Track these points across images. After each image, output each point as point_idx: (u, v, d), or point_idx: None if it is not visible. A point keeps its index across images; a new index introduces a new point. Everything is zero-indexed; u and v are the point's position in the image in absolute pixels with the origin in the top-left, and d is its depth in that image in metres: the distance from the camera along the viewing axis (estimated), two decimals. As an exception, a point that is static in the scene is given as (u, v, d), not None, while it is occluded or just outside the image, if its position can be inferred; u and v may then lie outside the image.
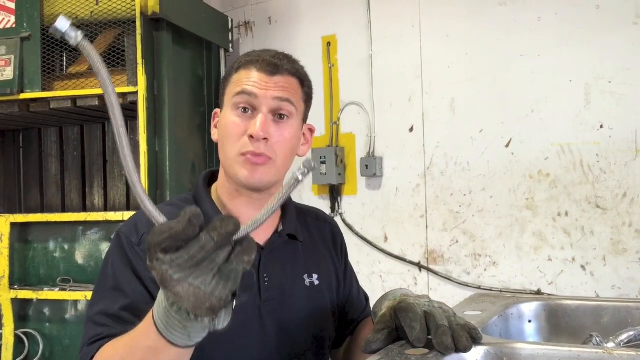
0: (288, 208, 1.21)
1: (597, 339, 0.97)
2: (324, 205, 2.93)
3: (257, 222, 0.73)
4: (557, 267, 2.44)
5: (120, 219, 2.47)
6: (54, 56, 2.60)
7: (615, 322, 1.15)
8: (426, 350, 0.92)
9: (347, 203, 2.90)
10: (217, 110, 1.17)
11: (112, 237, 1.13)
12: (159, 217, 0.74)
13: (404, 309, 0.96)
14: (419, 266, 2.72)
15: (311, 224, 1.25)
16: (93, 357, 0.99)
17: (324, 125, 2.92)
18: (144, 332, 0.83)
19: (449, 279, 2.64)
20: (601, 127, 2.35)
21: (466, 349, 0.91)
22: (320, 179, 2.87)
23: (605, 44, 2.32)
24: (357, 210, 2.87)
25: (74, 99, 2.51)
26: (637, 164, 2.29)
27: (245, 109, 1.07)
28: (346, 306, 1.28)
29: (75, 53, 2.65)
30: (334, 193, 2.90)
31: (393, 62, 2.78)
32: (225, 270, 0.70)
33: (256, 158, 1.05)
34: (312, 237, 1.24)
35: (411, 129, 2.74)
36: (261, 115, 1.06)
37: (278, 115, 1.08)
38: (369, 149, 2.82)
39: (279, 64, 1.09)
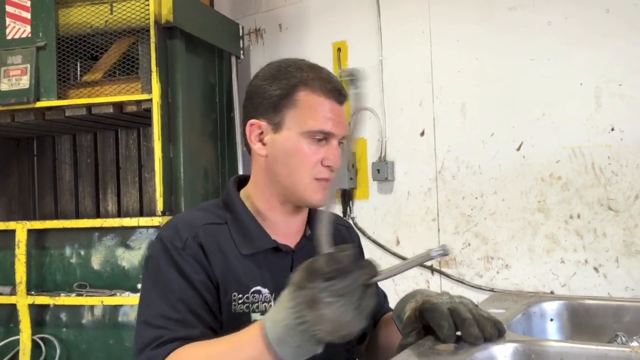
0: (313, 213, 1.26)
1: (623, 338, 0.98)
2: (336, 210, 2.95)
3: (391, 273, 0.89)
4: (570, 269, 2.45)
5: (136, 224, 2.49)
6: (69, 65, 2.64)
7: (637, 322, 1.17)
8: (454, 345, 0.94)
9: (359, 207, 2.92)
10: (259, 123, 1.16)
11: (154, 242, 1.15)
12: (325, 247, 0.89)
13: (430, 309, 1.00)
14: (432, 269, 2.74)
15: (332, 227, 1.30)
16: (164, 358, 1.00)
17: (335, 130, 2.93)
18: (248, 342, 0.90)
19: (461, 282, 2.65)
20: (612, 129, 2.37)
21: (492, 337, 0.96)
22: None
23: (615, 47, 2.35)
24: (369, 214, 2.89)
25: (88, 107, 2.55)
26: (648, 165, 2.31)
27: (319, 140, 1.13)
28: None
29: (88, 62, 2.68)
30: (346, 197, 2.92)
31: (403, 67, 2.81)
32: (363, 305, 0.83)
33: (328, 183, 1.15)
34: (334, 239, 1.28)
35: (422, 133, 2.77)
36: (335, 149, 1.14)
37: (338, 142, 1.17)
38: (381, 154, 2.84)
39: (345, 93, 1.17)
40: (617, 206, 2.37)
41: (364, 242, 2.84)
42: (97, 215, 2.98)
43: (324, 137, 1.13)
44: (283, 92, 1.14)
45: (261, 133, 1.16)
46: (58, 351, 2.52)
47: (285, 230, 1.19)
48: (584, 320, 1.23)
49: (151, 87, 2.49)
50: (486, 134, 2.62)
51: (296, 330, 0.82)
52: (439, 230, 2.73)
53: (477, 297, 2.48)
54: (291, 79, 1.14)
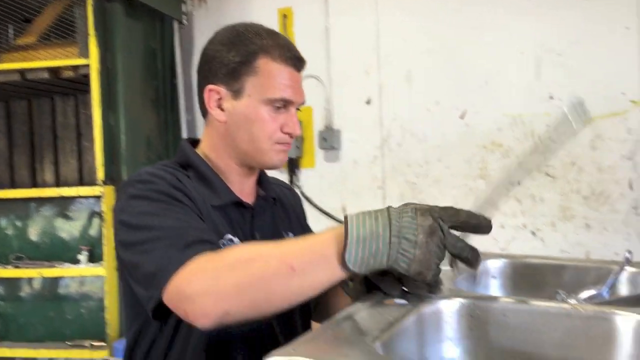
0: (263, 175, 1.30)
1: (563, 296, 1.02)
2: (282, 178, 2.93)
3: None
4: (509, 233, 2.54)
5: (75, 194, 2.41)
6: (0, 28, 2.50)
7: (575, 280, 1.21)
8: (402, 300, 0.96)
9: (306, 176, 2.92)
10: (218, 88, 1.15)
11: (123, 192, 1.07)
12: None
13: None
14: (377, 236, 2.77)
15: (277, 187, 1.35)
16: (197, 256, 0.91)
17: (281, 98, 2.91)
18: (321, 237, 0.88)
19: (406, 248, 2.70)
20: (551, 98, 2.44)
21: (435, 288, 0.98)
22: (278, 152, 2.87)
23: (556, 17, 2.41)
24: (315, 183, 2.90)
25: (22, 72, 2.43)
26: (584, 133, 2.39)
27: (278, 108, 1.14)
28: None
29: (22, 24, 2.55)
30: (292, 166, 2.91)
31: (350, 34, 2.80)
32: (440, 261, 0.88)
33: (288, 146, 1.18)
34: (280, 199, 1.33)
35: (368, 102, 2.78)
36: (294, 116, 1.16)
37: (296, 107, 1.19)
38: (327, 122, 2.84)
39: (303, 60, 1.17)
40: (554, 172, 2.45)
41: (311, 210, 2.85)
42: (34, 184, 2.87)
43: (284, 104, 1.14)
44: (242, 59, 1.13)
45: (220, 99, 1.15)
46: (-5, 325, 2.43)
47: (241, 189, 1.21)
48: (525, 278, 1.27)
49: (89, 52, 2.39)
50: (431, 102, 2.65)
51: (388, 245, 0.83)
52: (384, 198, 2.76)
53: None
54: (250, 46, 1.13)
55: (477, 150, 2.58)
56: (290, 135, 1.16)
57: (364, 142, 2.79)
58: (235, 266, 0.89)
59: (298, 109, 1.18)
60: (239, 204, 1.19)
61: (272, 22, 2.93)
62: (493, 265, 1.29)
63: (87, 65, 2.40)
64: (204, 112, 1.19)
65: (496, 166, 2.54)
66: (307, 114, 2.89)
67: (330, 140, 2.80)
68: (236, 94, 1.14)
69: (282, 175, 2.94)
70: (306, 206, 2.94)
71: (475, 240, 2.81)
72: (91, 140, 2.50)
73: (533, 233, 2.49)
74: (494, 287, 1.28)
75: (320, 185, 2.89)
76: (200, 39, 3.06)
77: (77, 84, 2.59)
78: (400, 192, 2.73)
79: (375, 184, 2.78)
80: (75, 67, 2.44)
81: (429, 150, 2.66)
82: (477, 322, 0.95)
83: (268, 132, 1.14)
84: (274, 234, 1.23)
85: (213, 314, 0.88)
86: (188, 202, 1.07)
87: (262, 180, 1.29)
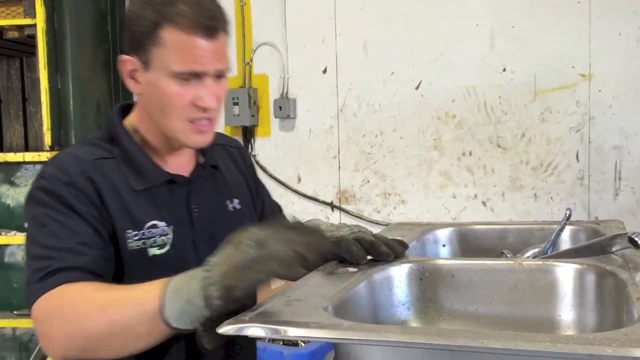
0: None
1: (508, 255, 1.06)
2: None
3: None
4: (461, 203, 2.59)
5: (21, 160, 2.34)
6: (-63, -18, 2.37)
7: (520, 242, 1.26)
8: (353, 267, 0.97)
9: (261, 145, 2.89)
10: (130, 59, 1.07)
11: (36, 179, 1.06)
12: None
13: (337, 242, 1.02)
14: (332, 206, 2.79)
15: (221, 150, 1.28)
16: (46, 294, 0.94)
17: (236, 66, 2.86)
18: (143, 289, 0.89)
19: (360, 217, 2.73)
20: (504, 70, 2.47)
21: (401, 253, 1.03)
22: (233, 120, 2.84)
23: (510, -10, 2.43)
24: (270, 152, 2.88)
25: (-38, 31, 2.32)
26: (535, 105, 2.45)
27: (188, 79, 1.05)
28: (262, 219, 1.31)
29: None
30: (247, 135, 2.88)
31: (307, 3, 2.76)
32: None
33: (207, 126, 1.08)
34: (225, 163, 1.26)
35: (325, 71, 2.76)
36: (209, 87, 1.05)
37: (216, 76, 1.08)
38: (283, 91, 2.81)
39: (216, 25, 1.06)
40: (505, 144, 2.50)
41: (266, 180, 2.83)
42: (-23, 150, 2.76)
43: (194, 76, 1.05)
44: (147, 28, 1.04)
45: (134, 70, 1.07)
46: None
47: (177, 160, 1.15)
48: (473, 244, 1.31)
49: (35, 11, 2.30)
50: (387, 73, 2.65)
51: (199, 283, 0.82)
52: (339, 167, 2.77)
53: (375, 232, 2.57)
54: (154, 14, 1.04)
55: (431, 121, 2.60)
56: (203, 109, 1.06)
57: (319, 112, 2.78)
58: (68, 315, 0.91)
59: (223, 77, 1.09)
60: (172, 181, 1.13)
61: (227, -13, 2.87)
62: (442, 234, 1.32)
63: (33, 26, 2.31)
64: None
65: (450, 137, 2.58)
66: (263, 82, 2.86)
67: (285, 109, 2.78)
68: (146, 65, 1.06)
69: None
70: (261, 176, 2.95)
71: (429, 211, 2.86)
72: (38, 104, 2.42)
73: (483, 203, 2.55)
74: (444, 254, 1.31)
75: (275, 154, 2.88)
76: (153, 2, 2.97)
77: (23, 45, 2.49)
78: (355, 161, 2.74)
79: (331, 154, 2.78)
80: (20, 27, 2.34)
81: (384, 120, 2.67)
82: (427, 285, 0.98)
83: (178, 108, 1.05)
84: (216, 205, 1.19)
85: (52, 355, 0.93)
86: (82, 206, 1.02)
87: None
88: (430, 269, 0.98)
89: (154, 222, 1.08)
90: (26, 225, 1.04)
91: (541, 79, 2.42)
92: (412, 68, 2.61)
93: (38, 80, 2.34)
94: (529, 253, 1.11)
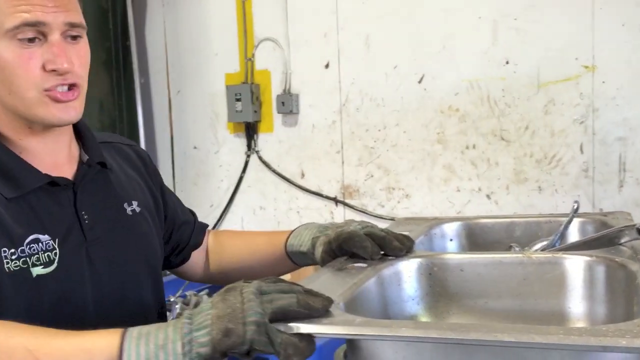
0: (85, 135, 1.05)
1: (517, 249, 1.06)
2: (239, 143, 2.92)
3: None
4: (465, 197, 2.59)
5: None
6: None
7: (528, 235, 1.26)
8: (363, 263, 0.98)
9: (264, 141, 2.89)
10: None
11: None
12: None
13: (349, 238, 1.02)
14: (336, 201, 2.79)
15: (112, 149, 1.13)
16: None
17: (238, 61, 2.86)
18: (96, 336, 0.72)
19: (364, 212, 2.73)
20: (507, 63, 2.47)
21: (410, 248, 1.02)
22: (235, 116, 2.84)
23: (512, -18, 2.42)
24: (273, 148, 2.88)
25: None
26: (538, 98, 2.44)
27: (31, 39, 0.89)
28: (175, 229, 1.22)
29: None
30: (250, 131, 2.88)
31: (308, -3, 2.76)
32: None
33: (68, 94, 0.92)
34: (117, 162, 1.11)
35: (327, 66, 2.76)
36: (59, 46, 0.90)
37: (70, 37, 0.93)
38: (285, 86, 2.81)
39: None
40: (508, 136, 2.50)
41: (269, 175, 2.84)
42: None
43: (38, 33, 0.89)
44: None
45: None
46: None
47: (53, 159, 0.98)
48: (480, 238, 1.31)
49: (36, 10, 2.29)
50: (389, 67, 2.65)
51: (179, 329, 0.69)
52: (343, 162, 2.77)
53: (379, 226, 2.57)
54: None
55: (434, 114, 2.60)
56: (56, 72, 0.89)
57: (322, 107, 2.78)
58: None
59: (78, 37, 0.93)
60: (52, 184, 0.95)
61: (228, -17, 2.86)
62: (449, 229, 1.32)
63: (35, 25, 2.30)
64: None
65: (453, 131, 2.57)
66: (266, 78, 2.86)
67: (288, 104, 2.78)
68: None
69: (240, 140, 2.91)
70: (265, 172, 2.96)
71: (433, 205, 2.86)
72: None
73: (488, 196, 2.55)
74: (452, 249, 1.31)
75: (278, 150, 2.88)
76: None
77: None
78: (358, 156, 2.74)
79: (334, 149, 2.78)
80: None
81: (387, 114, 2.67)
82: (436, 279, 0.98)
83: (25, 76, 0.88)
84: (111, 209, 1.04)
85: None
86: None
87: (85, 140, 1.04)
88: (439, 264, 0.98)
89: (35, 235, 0.91)
90: None
91: (544, 71, 2.42)
92: (414, 62, 2.60)
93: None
94: (537, 246, 1.11)
